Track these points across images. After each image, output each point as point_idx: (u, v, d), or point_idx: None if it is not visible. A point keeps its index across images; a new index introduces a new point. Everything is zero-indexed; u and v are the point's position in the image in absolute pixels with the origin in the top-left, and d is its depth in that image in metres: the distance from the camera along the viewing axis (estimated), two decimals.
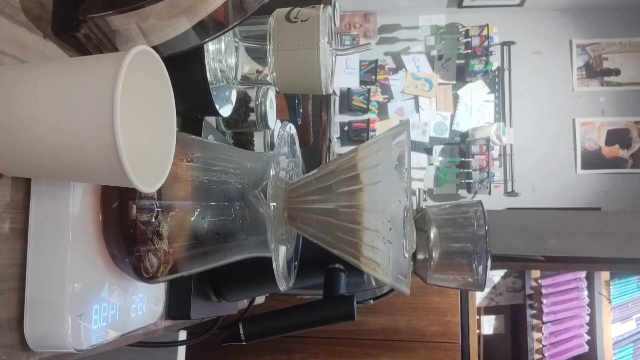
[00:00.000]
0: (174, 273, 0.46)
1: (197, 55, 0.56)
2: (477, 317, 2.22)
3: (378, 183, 0.41)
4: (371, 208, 0.41)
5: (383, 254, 0.41)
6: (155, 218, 0.42)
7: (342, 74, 2.96)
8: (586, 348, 2.25)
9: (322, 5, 0.60)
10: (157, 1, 0.40)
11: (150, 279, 0.45)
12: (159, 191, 0.42)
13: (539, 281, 2.28)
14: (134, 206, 0.41)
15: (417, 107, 3.34)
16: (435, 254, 0.66)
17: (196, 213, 0.45)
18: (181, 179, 0.44)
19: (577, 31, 3.38)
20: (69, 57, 0.44)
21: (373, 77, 3.22)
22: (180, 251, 0.45)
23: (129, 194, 0.42)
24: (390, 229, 0.40)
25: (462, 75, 3.33)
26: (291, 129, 0.52)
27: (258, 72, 0.61)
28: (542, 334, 2.25)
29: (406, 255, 0.39)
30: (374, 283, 0.79)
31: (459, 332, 2.07)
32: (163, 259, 0.44)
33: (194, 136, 0.51)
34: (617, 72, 3.35)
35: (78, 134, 0.31)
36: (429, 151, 3.35)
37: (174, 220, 0.44)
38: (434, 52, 3.42)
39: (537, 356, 2.25)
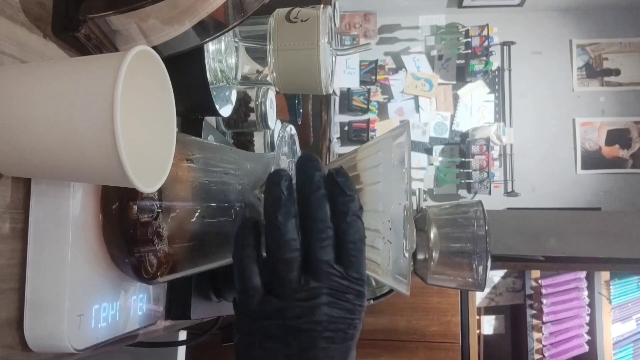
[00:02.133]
0: (174, 274, 0.46)
1: (197, 55, 0.55)
2: (477, 317, 2.22)
3: (378, 183, 0.41)
4: (371, 208, 0.41)
5: (383, 254, 0.41)
6: (156, 219, 0.42)
7: (342, 74, 2.96)
8: (586, 348, 2.25)
9: (322, 5, 0.60)
10: (157, 1, 0.40)
11: (151, 279, 0.45)
12: (159, 192, 0.42)
13: (539, 281, 2.28)
14: (135, 207, 0.41)
15: (417, 107, 3.34)
16: (435, 254, 0.66)
17: (196, 214, 0.45)
18: (181, 179, 0.44)
19: (577, 31, 3.38)
20: (69, 57, 0.44)
21: (373, 77, 3.22)
22: (181, 252, 0.45)
23: (130, 195, 0.42)
24: (390, 229, 0.39)
25: (462, 75, 3.33)
26: (291, 130, 0.52)
27: (258, 72, 0.61)
28: (542, 334, 2.25)
29: (406, 255, 0.39)
30: (374, 283, 0.79)
31: (459, 332, 2.07)
32: (163, 260, 0.44)
33: (194, 137, 0.50)
34: (617, 72, 3.35)
35: (78, 133, 0.31)
36: (429, 151, 3.35)
37: (174, 221, 0.44)
38: (434, 52, 3.42)
39: (537, 356, 2.25)
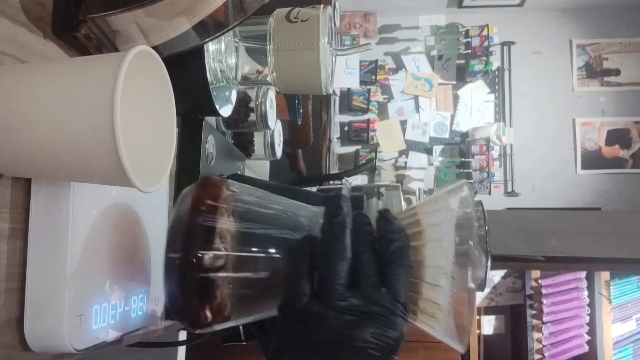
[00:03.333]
0: (227, 322, 0.43)
1: (197, 55, 0.56)
2: (477, 317, 2.22)
3: (442, 223, 0.40)
4: (434, 245, 0.39)
5: (445, 292, 0.39)
6: (219, 270, 0.39)
7: (342, 74, 2.96)
8: (586, 348, 2.25)
9: (322, 5, 0.60)
10: (157, 1, 0.40)
11: (205, 327, 0.41)
12: (223, 246, 0.39)
13: (539, 281, 2.28)
14: (198, 260, 0.38)
15: (417, 107, 3.34)
16: None
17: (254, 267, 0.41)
18: (241, 230, 0.41)
19: (577, 31, 3.38)
20: (69, 57, 0.44)
21: (373, 77, 3.22)
22: (235, 302, 0.41)
23: (193, 248, 0.37)
24: (454, 264, 0.38)
25: (462, 76, 3.33)
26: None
27: (258, 72, 0.61)
28: (542, 334, 2.25)
29: (471, 284, 0.38)
30: None
31: None
32: (216, 309, 0.41)
33: (250, 187, 0.46)
34: (617, 72, 3.35)
35: (78, 133, 0.31)
36: (429, 151, 3.35)
37: (234, 274, 0.40)
38: (434, 52, 3.42)
39: (537, 356, 2.25)
